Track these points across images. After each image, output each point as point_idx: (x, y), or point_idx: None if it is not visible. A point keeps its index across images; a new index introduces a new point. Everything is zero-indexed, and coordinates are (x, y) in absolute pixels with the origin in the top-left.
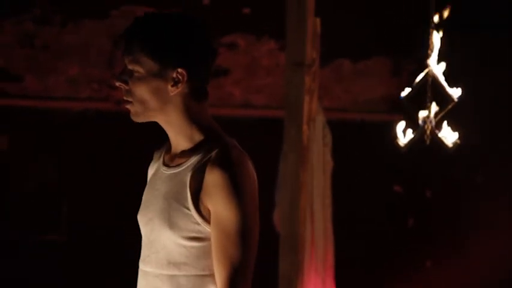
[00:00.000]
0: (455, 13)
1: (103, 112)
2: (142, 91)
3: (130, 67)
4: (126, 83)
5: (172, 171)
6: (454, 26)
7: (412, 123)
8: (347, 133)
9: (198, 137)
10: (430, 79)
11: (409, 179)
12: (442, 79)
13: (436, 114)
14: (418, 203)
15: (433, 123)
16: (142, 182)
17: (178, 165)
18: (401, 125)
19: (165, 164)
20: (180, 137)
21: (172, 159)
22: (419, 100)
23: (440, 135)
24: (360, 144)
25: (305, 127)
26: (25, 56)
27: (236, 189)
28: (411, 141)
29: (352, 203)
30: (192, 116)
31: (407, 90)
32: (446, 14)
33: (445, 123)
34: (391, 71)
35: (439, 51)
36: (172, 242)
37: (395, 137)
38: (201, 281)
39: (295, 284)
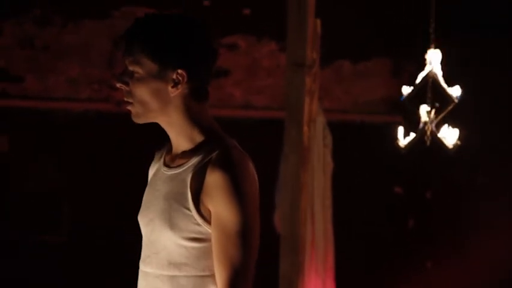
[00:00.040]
0: (455, 13)
1: (103, 113)
2: (142, 92)
3: (130, 68)
4: (126, 84)
5: (173, 172)
6: (454, 27)
7: (412, 124)
8: (347, 134)
9: (199, 137)
10: (430, 80)
11: (409, 180)
12: (442, 80)
13: (436, 115)
14: (418, 204)
15: (433, 124)
16: (142, 183)
17: (179, 166)
18: (401, 126)
19: (166, 165)
20: (181, 137)
21: (173, 160)
22: (419, 101)
23: (440, 136)
24: (360, 146)
25: (305, 128)
26: (25, 56)
27: (237, 190)
28: (411, 143)
29: (352, 204)
30: (193, 117)
31: (408, 91)
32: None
33: (445, 124)
34: (392, 72)
35: (439, 51)
36: (173, 243)
37: (395, 138)
38: (201, 281)
39: (296, 285)
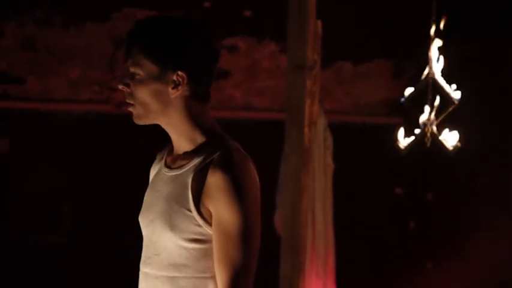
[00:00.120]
0: (455, 13)
1: (104, 114)
2: (143, 94)
3: (131, 70)
4: (128, 85)
5: (174, 173)
6: (454, 27)
7: (412, 125)
8: (348, 136)
9: (200, 139)
10: (430, 81)
11: (410, 182)
12: (442, 81)
13: (437, 116)
14: (419, 206)
15: (434, 125)
16: (142, 183)
17: (180, 167)
18: (401, 128)
19: (167, 166)
20: (182, 139)
21: (174, 161)
22: (419, 103)
23: (440, 137)
24: (361, 147)
25: (306, 130)
26: (26, 58)
27: (238, 191)
28: (411, 144)
29: (353, 206)
30: (194, 118)
31: (408, 92)
32: (442, 23)
33: (445, 125)
34: (392, 74)
35: (439, 52)
36: (174, 244)
37: (396, 139)
38: (201, 282)
39: (296, 286)
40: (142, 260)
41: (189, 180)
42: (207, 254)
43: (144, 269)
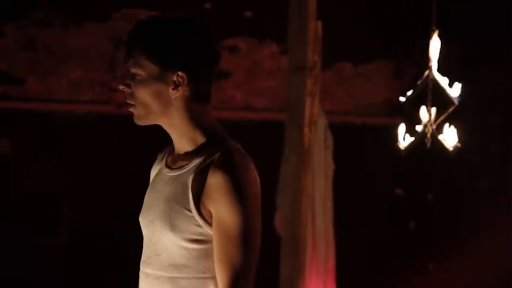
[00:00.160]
0: (455, 13)
1: (104, 115)
2: (143, 94)
3: (132, 70)
4: (128, 86)
5: (174, 173)
6: (454, 27)
7: (412, 126)
8: (348, 136)
9: (200, 139)
10: (430, 82)
11: (410, 182)
12: (442, 82)
13: (437, 117)
14: (419, 206)
15: (434, 126)
16: (142, 184)
17: (180, 168)
18: (401, 129)
19: (168, 166)
20: (183, 139)
21: (175, 162)
22: (420, 103)
23: (440, 138)
24: (361, 147)
25: (306, 130)
26: (27, 59)
27: (238, 192)
28: (411, 145)
29: (353, 206)
30: (195, 119)
31: (408, 93)
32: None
33: (445, 126)
34: (393, 74)
35: (439, 53)
36: (174, 244)
37: (396, 140)
38: (201, 283)
39: (297, 286)
40: (142, 260)
41: (190, 181)
42: (207, 255)
43: (144, 269)
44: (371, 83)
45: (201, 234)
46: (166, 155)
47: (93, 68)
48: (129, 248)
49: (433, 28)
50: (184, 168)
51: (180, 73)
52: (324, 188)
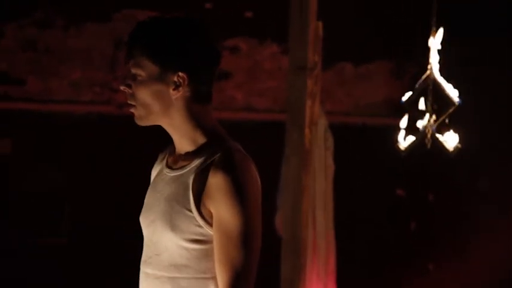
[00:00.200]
0: (455, 14)
1: (105, 115)
2: (144, 95)
3: (133, 71)
4: (129, 86)
5: (175, 174)
6: (455, 28)
7: (413, 126)
8: (349, 137)
9: (201, 139)
10: (430, 83)
11: (410, 183)
12: (443, 83)
13: (437, 117)
14: (419, 207)
15: (434, 126)
16: (143, 184)
17: (181, 168)
18: (402, 129)
19: (168, 166)
20: (184, 140)
21: (176, 162)
22: (420, 104)
23: (441, 139)
24: (361, 148)
25: (307, 131)
26: (27, 59)
27: (239, 192)
28: (412, 145)
29: (354, 207)
30: (196, 119)
31: (408, 94)
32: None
33: (445, 127)
34: (393, 74)
35: (439, 53)
36: (174, 244)
37: (396, 140)
38: (202, 283)
39: (297, 287)
40: (143, 260)
41: (190, 181)
42: (207, 255)
43: (144, 269)
44: (371, 83)
45: (202, 234)
46: (167, 155)
47: (94, 68)
48: (129, 248)
49: (433, 30)
50: (185, 169)
51: (180, 73)
52: (324, 189)
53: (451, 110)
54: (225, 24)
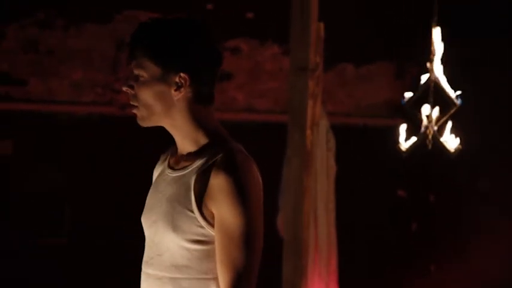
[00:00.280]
0: (456, 16)
1: (107, 116)
2: (146, 95)
3: (135, 72)
4: (132, 87)
5: (176, 174)
6: (456, 30)
7: (414, 127)
8: (350, 137)
9: (203, 140)
10: (432, 84)
11: (411, 184)
12: (444, 83)
13: (438, 118)
14: (420, 207)
15: (435, 128)
16: (143, 185)
17: (183, 168)
18: (403, 130)
19: (170, 167)
20: (186, 141)
21: (178, 162)
22: (421, 105)
23: (442, 139)
24: (363, 149)
25: (309, 132)
26: (29, 60)
27: (241, 193)
28: (413, 146)
29: (355, 208)
30: (198, 120)
31: (409, 95)
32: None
33: (447, 128)
34: (394, 75)
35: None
36: (176, 245)
37: (397, 141)
38: (203, 284)
39: None
40: (144, 261)
41: (192, 182)
42: (209, 256)
43: (146, 270)
44: (373, 84)
45: (203, 235)
46: (169, 156)
47: (95, 69)
48: (129, 248)
49: (434, 30)
50: (187, 169)
51: (182, 74)
52: (326, 190)
53: (452, 111)
54: (226, 25)
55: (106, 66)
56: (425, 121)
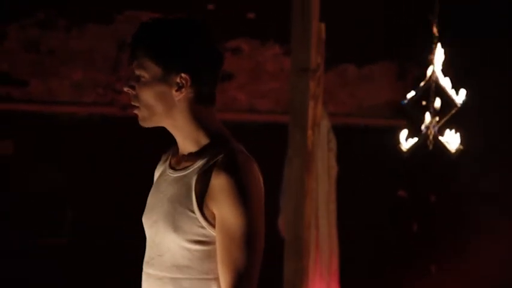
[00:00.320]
0: (457, 16)
1: (108, 116)
2: (147, 96)
3: (137, 72)
4: (133, 88)
5: (177, 174)
6: (456, 30)
7: (415, 128)
8: (352, 138)
9: (204, 140)
10: (433, 84)
11: (412, 184)
12: (445, 84)
13: (439, 119)
14: (421, 208)
15: (436, 128)
16: (144, 185)
17: (184, 169)
18: (404, 130)
19: (172, 167)
20: (187, 141)
21: (179, 163)
22: (422, 105)
23: (443, 140)
24: (364, 149)
25: (310, 132)
26: (30, 60)
27: (242, 194)
28: (414, 146)
29: (356, 208)
30: (199, 120)
31: (410, 95)
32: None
33: (447, 128)
34: (396, 75)
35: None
36: (177, 245)
37: (398, 142)
38: (204, 284)
39: None
40: (145, 261)
41: (193, 182)
42: (210, 256)
43: (147, 270)
44: (374, 85)
45: (204, 235)
46: (170, 156)
47: (96, 69)
48: (130, 248)
49: (435, 31)
50: (188, 170)
51: (183, 75)
52: (327, 190)
53: (453, 111)
54: (227, 26)
55: (107, 67)
56: (426, 121)
